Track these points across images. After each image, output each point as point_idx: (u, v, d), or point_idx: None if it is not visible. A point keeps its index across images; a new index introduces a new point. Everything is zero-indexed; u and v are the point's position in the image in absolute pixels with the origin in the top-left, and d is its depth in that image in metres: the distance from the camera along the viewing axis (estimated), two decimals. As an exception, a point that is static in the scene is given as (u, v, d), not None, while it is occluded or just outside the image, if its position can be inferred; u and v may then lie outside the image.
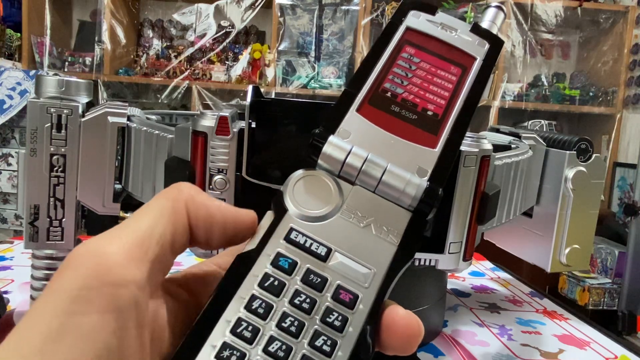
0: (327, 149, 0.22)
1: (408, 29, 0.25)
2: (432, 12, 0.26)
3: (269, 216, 0.22)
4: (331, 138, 0.23)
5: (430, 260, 0.40)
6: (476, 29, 0.26)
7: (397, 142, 0.23)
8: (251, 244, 0.21)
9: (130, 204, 0.47)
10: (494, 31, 0.27)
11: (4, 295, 0.49)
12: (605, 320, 1.81)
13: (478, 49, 0.25)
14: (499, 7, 0.28)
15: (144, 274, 0.18)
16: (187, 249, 0.22)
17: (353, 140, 0.23)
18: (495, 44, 0.26)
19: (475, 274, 0.77)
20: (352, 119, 0.23)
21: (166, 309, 0.20)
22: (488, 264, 0.82)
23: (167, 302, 0.20)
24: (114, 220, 0.47)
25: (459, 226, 0.40)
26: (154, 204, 0.20)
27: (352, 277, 0.20)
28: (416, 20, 0.26)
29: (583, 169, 0.53)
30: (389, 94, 0.24)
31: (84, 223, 0.48)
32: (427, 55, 0.25)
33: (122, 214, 0.48)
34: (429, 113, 0.24)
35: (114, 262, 0.17)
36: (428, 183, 0.22)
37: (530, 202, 0.55)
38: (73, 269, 0.17)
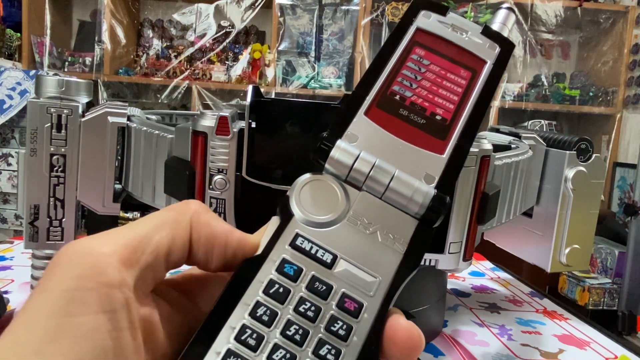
0: (334, 153, 0.22)
1: (418, 29, 0.25)
2: (443, 12, 0.25)
3: (274, 221, 0.21)
4: (339, 142, 0.22)
5: (430, 260, 0.40)
6: (487, 31, 0.25)
7: (405, 147, 0.23)
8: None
9: (130, 204, 0.47)
10: (505, 33, 0.26)
11: (4, 295, 0.49)
12: (605, 320, 1.81)
13: (489, 52, 0.25)
14: (509, 9, 0.27)
15: (133, 279, 0.18)
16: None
17: (360, 144, 0.22)
18: (506, 47, 0.25)
19: (475, 274, 0.77)
20: (360, 123, 0.23)
21: (160, 312, 0.19)
22: (488, 264, 0.82)
23: (161, 305, 0.20)
24: (114, 221, 0.47)
25: (459, 226, 0.40)
26: (159, 214, 0.20)
27: (358, 285, 0.20)
28: (427, 20, 0.25)
29: (583, 169, 0.53)
30: (397, 97, 0.23)
31: (84, 223, 0.48)
32: (437, 58, 0.24)
33: (122, 214, 0.48)
34: (438, 118, 0.23)
35: (108, 264, 0.17)
36: (435, 191, 0.22)
37: (530, 202, 0.55)
38: (65, 268, 0.17)
